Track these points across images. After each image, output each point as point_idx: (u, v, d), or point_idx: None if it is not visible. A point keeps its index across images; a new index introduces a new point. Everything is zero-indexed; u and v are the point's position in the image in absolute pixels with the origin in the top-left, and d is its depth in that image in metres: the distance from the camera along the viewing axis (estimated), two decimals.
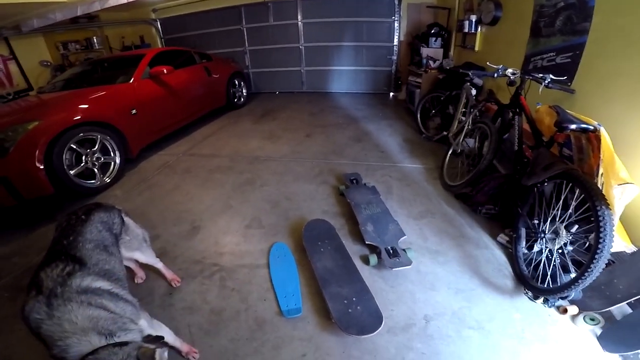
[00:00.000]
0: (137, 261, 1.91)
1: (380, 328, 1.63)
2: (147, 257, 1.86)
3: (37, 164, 2.74)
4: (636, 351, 1.48)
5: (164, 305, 1.93)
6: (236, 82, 6.32)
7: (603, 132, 1.79)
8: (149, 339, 1.21)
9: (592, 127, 1.84)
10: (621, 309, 1.68)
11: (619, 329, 1.60)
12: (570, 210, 1.77)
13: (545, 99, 2.45)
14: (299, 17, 6.86)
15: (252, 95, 7.14)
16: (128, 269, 1.99)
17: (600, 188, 1.70)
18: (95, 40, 7.28)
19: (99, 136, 3.29)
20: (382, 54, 6.80)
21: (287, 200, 2.98)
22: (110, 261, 1.37)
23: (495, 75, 2.58)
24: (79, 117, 3.11)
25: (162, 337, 1.50)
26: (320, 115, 5.66)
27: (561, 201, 1.82)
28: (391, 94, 6.94)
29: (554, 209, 1.86)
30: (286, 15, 6.90)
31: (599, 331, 1.64)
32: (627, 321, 1.60)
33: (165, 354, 1.07)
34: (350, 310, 1.73)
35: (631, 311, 1.65)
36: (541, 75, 2.33)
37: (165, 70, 4.18)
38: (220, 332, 1.75)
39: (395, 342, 1.65)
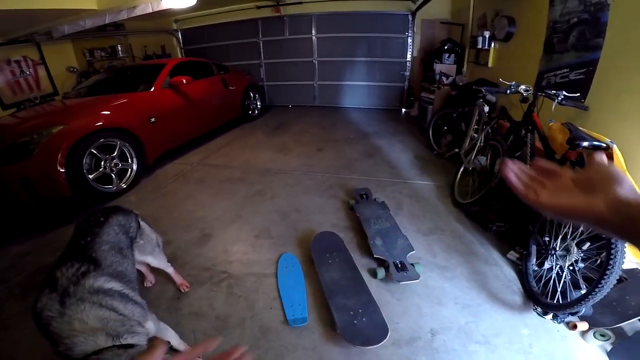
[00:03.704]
0: (148, 265, 1.95)
1: (385, 340, 1.62)
2: (159, 261, 1.90)
3: (59, 167, 2.85)
4: None
5: (171, 310, 1.96)
6: (251, 95, 6.45)
7: (616, 149, 1.78)
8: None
9: (604, 145, 1.83)
10: (632, 325, 1.66)
11: (630, 344, 1.58)
12: (581, 228, 1.75)
13: (559, 116, 2.42)
14: (314, 32, 7.02)
15: (265, 108, 7.27)
16: (139, 272, 2.03)
17: None
18: (119, 48, 7.58)
19: (118, 142, 3.40)
20: (395, 69, 6.87)
21: (296, 212, 3.01)
22: (124, 263, 1.40)
23: (508, 91, 2.58)
24: (100, 122, 3.23)
25: (169, 342, 1.53)
26: (332, 130, 5.72)
27: None
28: (403, 110, 6.97)
29: (565, 227, 1.83)
30: (301, 30, 7.07)
31: (608, 347, 1.62)
32: (638, 337, 1.58)
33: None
34: (355, 322, 1.73)
35: None
36: (554, 91, 2.32)
37: (184, 81, 4.30)
38: (224, 338, 1.75)
39: (399, 355, 1.64)
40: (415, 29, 6.46)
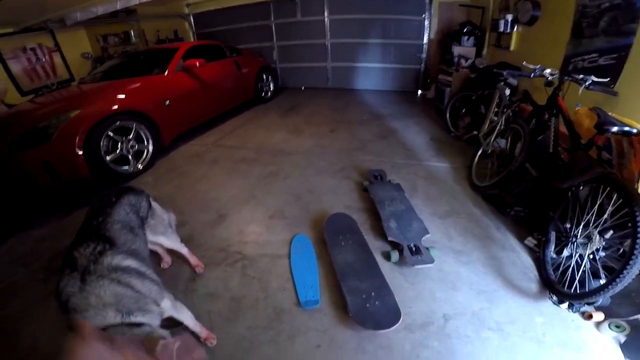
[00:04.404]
0: (163, 246, 1.96)
1: (397, 324, 1.62)
2: (172, 241, 1.89)
3: (77, 150, 2.91)
4: None
5: (187, 291, 1.99)
6: (264, 77, 6.40)
7: None
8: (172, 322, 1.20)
9: (635, 130, 1.74)
10: None
11: None
12: (605, 216, 1.68)
13: (585, 101, 2.33)
14: (326, 14, 6.83)
15: (278, 90, 7.20)
16: (155, 254, 2.07)
17: None
18: (132, 33, 7.58)
19: (134, 125, 3.44)
20: (410, 52, 6.65)
21: (309, 194, 3.00)
22: (136, 241, 1.42)
23: (532, 75, 2.49)
24: (116, 106, 3.27)
25: (181, 324, 1.53)
26: (345, 111, 5.64)
27: (596, 206, 1.73)
28: (419, 92, 6.80)
29: (588, 214, 1.77)
30: (313, 11, 6.88)
31: (623, 339, 1.59)
32: None
33: (176, 345, 1.00)
34: (367, 305, 1.72)
35: None
36: (582, 76, 2.22)
37: (197, 64, 4.29)
38: (238, 319, 1.78)
39: (411, 339, 1.63)
40: (432, 11, 6.20)
